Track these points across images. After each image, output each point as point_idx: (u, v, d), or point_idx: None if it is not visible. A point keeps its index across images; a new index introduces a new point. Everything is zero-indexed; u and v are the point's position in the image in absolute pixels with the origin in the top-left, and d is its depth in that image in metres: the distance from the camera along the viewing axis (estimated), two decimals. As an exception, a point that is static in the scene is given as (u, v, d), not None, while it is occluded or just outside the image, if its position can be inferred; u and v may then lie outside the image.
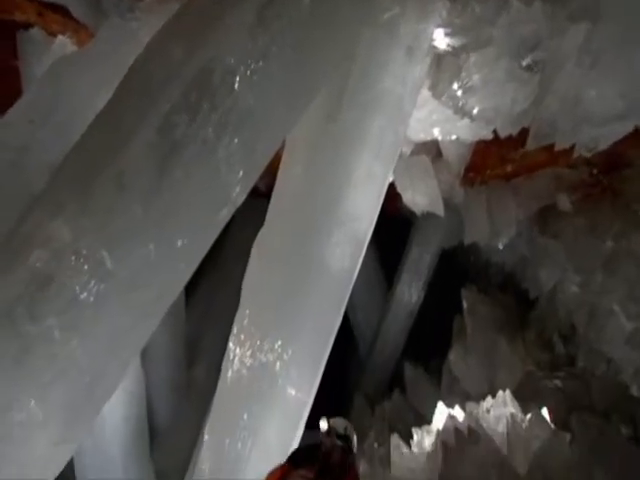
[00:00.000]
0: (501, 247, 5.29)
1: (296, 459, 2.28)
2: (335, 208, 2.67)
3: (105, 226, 1.92)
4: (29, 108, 3.37)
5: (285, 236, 2.76)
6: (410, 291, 6.27)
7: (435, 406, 4.01)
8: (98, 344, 1.98)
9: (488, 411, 3.34)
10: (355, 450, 2.30)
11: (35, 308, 1.90)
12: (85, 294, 1.90)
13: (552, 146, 3.41)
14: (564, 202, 4.70)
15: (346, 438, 2.25)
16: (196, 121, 2.03)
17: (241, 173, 2.12)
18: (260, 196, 4.61)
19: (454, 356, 5.11)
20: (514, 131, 3.46)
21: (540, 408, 3.41)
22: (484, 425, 3.18)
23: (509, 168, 4.86)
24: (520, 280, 5.56)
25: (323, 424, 2.25)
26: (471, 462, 2.79)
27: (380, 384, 5.97)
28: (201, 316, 6.23)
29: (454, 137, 3.74)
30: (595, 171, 4.60)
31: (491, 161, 4.88)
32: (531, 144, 3.32)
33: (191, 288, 6.61)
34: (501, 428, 3.19)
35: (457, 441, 3.00)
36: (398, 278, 6.41)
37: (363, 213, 2.75)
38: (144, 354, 4.81)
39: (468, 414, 3.39)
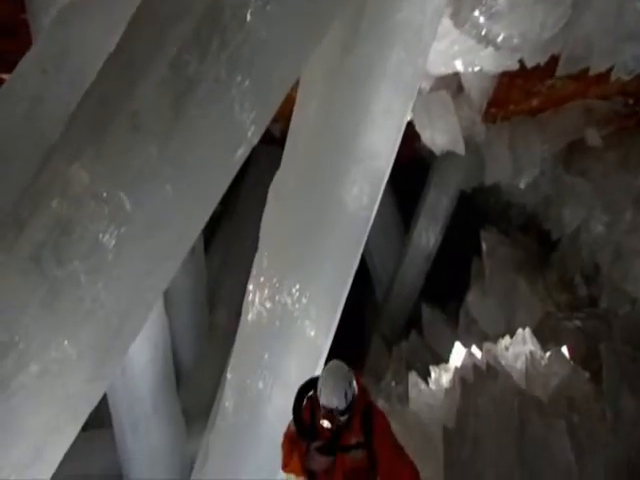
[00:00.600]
0: (523, 187, 5.17)
1: (304, 430, 2.22)
2: (352, 145, 2.61)
3: (122, 169, 1.92)
4: (40, 58, 3.33)
5: (301, 177, 2.74)
6: (427, 234, 6.26)
7: (452, 347, 4.08)
8: (122, 286, 2.04)
9: (507, 349, 3.40)
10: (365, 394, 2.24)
11: (60, 253, 1.96)
12: (107, 237, 1.94)
13: (583, 75, 3.22)
14: (594, 137, 4.50)
15: (350, 404, 2.13)
16: (207, 58, 1.97)
17: (255, 111, 2.07)
18: (275, 143, 4.54)
19: (472, 297, 5.15)
20: (542, 60, 3.26)
21: (560, 347, 3.45)
22: (502, 362, 3.23)
23: (535, 102, 4.65)
24: (542, 221, 5.48)
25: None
26: (489, 397, 2.83)
27: (397, 326, 6.12)
28: (221, 263, 6.40)
29: (477, 69, 3.56)
30: (631, 101, 4.35)
31: (515, 95, 4.67)
32: (562, 70, 3.13)
33: (210, 236, 6.77)
34: (519, 365, 3.25)
35: (475, 377, 3.05)
36: (415, 222, 6.38)
37: (381, 150, 2.69)
38: (167, 301, 5.00)
39: (486, 352, 3.45)
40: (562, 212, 4.97)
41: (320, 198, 2.70)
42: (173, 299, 5.29)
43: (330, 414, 2.11)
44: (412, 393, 3.52)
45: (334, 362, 2.25)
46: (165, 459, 4.62)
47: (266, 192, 3.03)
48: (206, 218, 2.25)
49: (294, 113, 2.96)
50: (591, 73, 3.16)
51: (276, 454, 2.45)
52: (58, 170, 2.02)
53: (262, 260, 3.06)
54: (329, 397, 2.10)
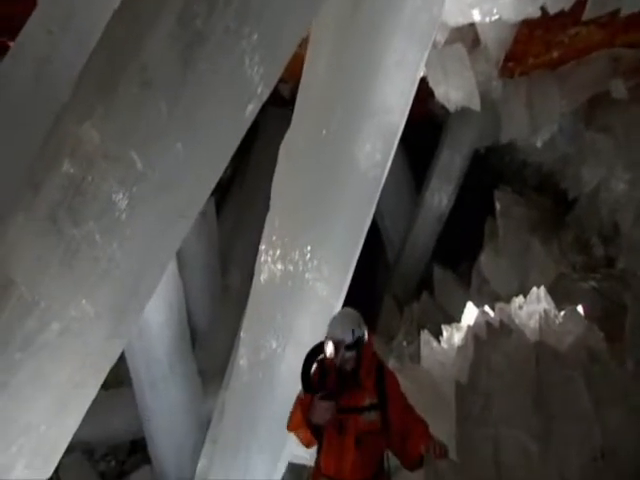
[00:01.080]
0: (540, 145, 5.04)
1: (311, 387, 2.22)
2: (364, 100, 2.56)
3: (132, 127, 1.92)
4: (46, 18, 3.28)
5: (312, 134, 2.71)
6: (440, 195, 6.19)
7: (464, 307, 4.07)
8: (136, 246, 2.08)
9: (520, 307, 3.37)
10: (366, 337, 2.20)
11: (75, 213, 1.99)
12: (119, 197, 1.96)
13: (611, 21, 3.05)
14: (619, 89, 4.28)
15: (357, 342, 2.15)
16: (215, 10, 1.92)
17: (265, 65, 2.03)
18: (284, 104, 4.46)
19: (485, 258, 5.11)
20: (566, 5, 3.10)
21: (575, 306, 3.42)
22: (516, 321, 3.22)
23: (555, 54, 4.46)
24: (559, 180, 5.37)
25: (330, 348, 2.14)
26: (502, 353, 2.84)
27: (409, 287, 6.16)
28: (232, 226, 6.47)
29: (495, 18, 3.41)
30: (661, 49, 4.11)
31: (535, 47, 4.49)
32: (590, 13, 2.96)
33: (222, 199, 6.81)
34: (533, 324, 3.22)
35: (488, 334, 3.03)
36: (427, 182, 6.30)
37: (394, 104, 2.63)
38: (181, 264, 5.10)
39: (499, 310, 3.44)
40: (580, 170, 4.85)
41: (332, 156, 2.67)
42: (186, 263, 5.38)
43: (336, 349, 2.11)
44: (424, 351, 3.55)
45: (346, 307, 2.35)
46: (183, 416, 4.83)
47: (276, 155, 3.01)
48: (217, 177, 2.25)
49: (304, 70, 2.90)
50: (622, 14, 2.98)
51: (289, 411, 2.51)
52: (69, 130, 2.02)
53: (274, 221, 3.08)
54: (336, 329, 2.14)
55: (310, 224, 2.87)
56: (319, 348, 2.25)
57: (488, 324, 3.16)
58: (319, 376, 2.23)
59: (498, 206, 5.33)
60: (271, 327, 3.30)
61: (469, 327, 3.45)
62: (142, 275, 2.16)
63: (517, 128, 5.00)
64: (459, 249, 5.98)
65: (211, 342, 5.49)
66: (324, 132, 2.70)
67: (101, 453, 5.19)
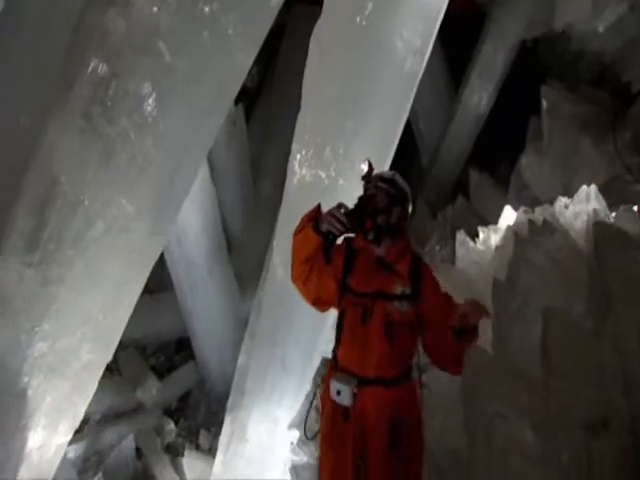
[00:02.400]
0: (602, 29, 4.46)
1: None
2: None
3: (157, 14, 1.85)
4: None
5: (346, 21, 2.53)
6: (480, 94, 5.80)
7: (500, 212, 3.97)
8: (169, 142, 2.11)
9: (566, 207, 3.18)
10: (409, 208, 1.98)
11: (108, 110, 2.01)
12: (149, 90, 1.95)
13: None
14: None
15: (392, 183, 1.93)
16: None
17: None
18: (312, 1, 4.15)
19: (526, 160, 4.82)
20: None
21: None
22: (560, 220, 3.02)
23: None
24: (621, 71, 4.81)
25: (364, 165, 1.94)
26: (545, 252, 2.66)
27: (442, 192, 6.03)
28: (262, 134, 6.40)
29: None
30: None
31: None
32: None
33: (250, 107, 6.68)
34: (580, 224, 3.00)
35: (530, 232, 2.85)
36: (467, 80, 5.87)
37: (435, -17, 2.40)
38: (214, 173, 5.17)
39: (542, 209, 3.26)
40: (651, 58, 4.31)
41: (367, 44, 2.50)
42: (219, 172, 5.46)
43: (370, 174, 1.92)
44: (459, 252, 3.47)
45: None
46: (222, 316, 5.19)
47: (305, 56, 2.83)
48: (246, 69, 2.19)
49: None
50: None
51: (323, 313, 2.36)
52: (94, 21, 1.97)
53: (305, 120, 3.00)
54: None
55: (343, 121, 2.78)
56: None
57: (530, 222, 3.00)
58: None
59: (545, 103, 4.91)
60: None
61: (508, 227, 3.31)
62: (177, 172, 2.21)
63: (575, 10, 4.43)
64: (497, 152, 5.74)
65: (245, 248, 5.71)
66: (358, 19, 2.51)
67: (152, 350, 5.72)
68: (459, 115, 5.96)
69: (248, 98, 6.65)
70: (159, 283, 5.41)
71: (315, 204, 1.92)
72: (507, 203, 4.30)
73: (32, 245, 2.02)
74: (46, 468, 2.48)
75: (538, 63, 5.92)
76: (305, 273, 1.93)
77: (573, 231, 2.97)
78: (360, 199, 1.90)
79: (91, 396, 2.69)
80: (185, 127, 2.10)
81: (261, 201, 5.94)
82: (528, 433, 1.34)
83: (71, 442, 3.01)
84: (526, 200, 4.66)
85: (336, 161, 2.88)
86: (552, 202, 3.53)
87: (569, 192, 3.79)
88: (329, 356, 3.88)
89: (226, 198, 5.56)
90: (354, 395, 1.86)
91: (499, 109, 5.97)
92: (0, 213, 1.94)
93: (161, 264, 4.36)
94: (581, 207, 3.16)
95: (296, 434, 3.73)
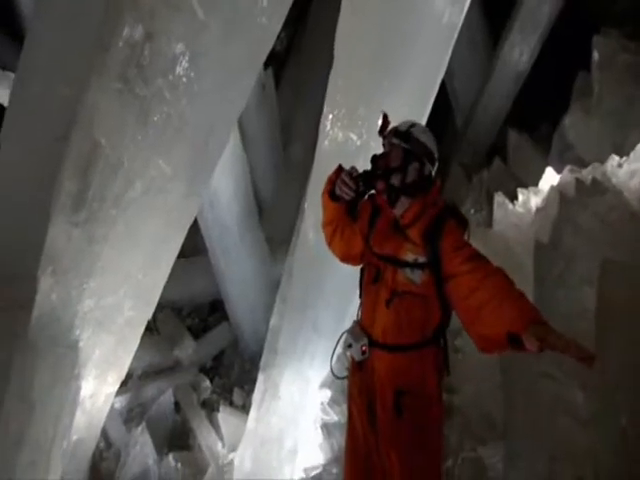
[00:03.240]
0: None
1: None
2: None
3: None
4: None
5: (379, -28, 2.46)
6: (521, 48, 5.48)
7: (540, 175, 3.81)
8: (203, 102, 2.16)
9: (620, 165, 2.95)
10: (434, 165, 1.84)
11: (144, 71, 2.06)
12: (183, 49, 1.99)
13: None
14: None
15: (407, 137, 1.77)
16: None
17: None
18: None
19: (571, 119, 4.47)
20: None
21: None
22: (613, 180, 2.81)
23: None
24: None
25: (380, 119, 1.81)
26: (593, 213, 2.49)
27: (478, 154, 5.85)
28: (292, 98, 6.37)
29: None
30: None
31: None
32: None
33: (280, 70, 6.62)
34: (635, 184, 2.78)
35: (578, 192, 2.64)
36: (507, 33, 5.56)
37: None
38: (244, 138, 5.22)
39: (592, 168, 3.03)
40: None
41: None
42: (249, 137, 5.50)
43: (385, 127, 1.81)
44: (497, 214, 3.31)
45: None
46: (254, 280, 5.36)
47: (336, 16, 2.76)
48: (275, 32, 2.19)
49: None
50: None
51: (354, 277, 2.31)
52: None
53: (337, 79, 2.97)
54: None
55: (377, 79, 2.74)
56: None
57: (578, 181, 2.79)
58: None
59: (596, 55, 4.50)
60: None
61: (552, 187, 3.12)
62: (212, 132, 2.27)
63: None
64: (538, 112, 5.48)
65: (276, 212, 5.81)
66: (392, -31, 2.45)
67: (187, 311, 5.98)
68: (497, 72, 5.69)
69: (277, 62, 6.59)
70: (194, 248, 5.60)
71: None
72: (548, 165, 4.14)
73: (78, 205, 2.13)
74: (97, 415, 2.69)
75: (588, 12, 5.52)
76: (330, 234, 1.95)
77: (627, 191, 2.76)
78: (373, 158, 1.82)
79: (134, 350, 2.88)
80: (218, 87, 2.14)
81: (291, 166, 5.97)
82: (578, 394, 1.29)
83: (117, 394, 3.26)
84: (570, 162, 4.41)
85: (369, 121, 2.85)
86: (602, 162, 3.30)
87: (620, 152, 3.57)
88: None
89: (257, 163, 5.62)
90: (363, 352, 1.82)
91: (541, 65, 5.67)
92: (49, 177, 2.05)
93: (195, 229, 4.51)
94: (637, 166, 2.92)
95: (327, 394, 3.88)
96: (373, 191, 1.86)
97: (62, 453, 2.26)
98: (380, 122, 1.84)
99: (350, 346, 1.85)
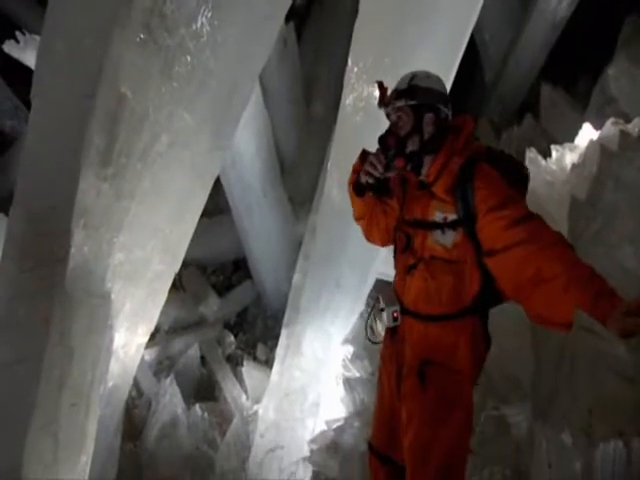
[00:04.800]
0: None
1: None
2: None
3: None
4: None
5: None
6: (559, -5, 5.18)
7: (576, 132, 3.62)
8: (227, 53, 2.15)
9: None
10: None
11: (167, 20, 2.04)
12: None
13: None
14: None
15: (411, 91, 1.64)
16: None
17: None
18: None
19: (616, 69, 4.13)
20: None
21: None
22: None
23: None
24: None
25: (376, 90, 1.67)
26: (638, 168, 2.33)
27: (508, 110, 5.64)
28: (314, 53, 6.23)
29: None
30: None
31: None
32: None
33: (301, 26, 6.45)
34: None
35: (621, 146, 2.46)
36: (545, -22, 5.22)
37: None
38: (266, 95, 5.17)
39: (639, 121, 2.82)
40: None
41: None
42: (271, 93, 5.44)
43: (383, 95, 1.66)
44: (529, 170, 3.21)
45: None
46: (277, 237, 5.43)
47: None
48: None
49: None
50: None
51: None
52: None
53: (362, 29, 2.88)
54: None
55: (404, 27, 2.66)
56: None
57: (622, 134, 2.60)
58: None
59: None
60: (359, 151, 3.35)
61: (592, 141, 2.92)
62: (235, 84, 2.26)
63: None
64: (576, 65, 5.20)
65: (298, 170, 5.80)
66: None
67: (211, 269, 6.13)
68: (533, 21, 5.37)
69: (298, 17, 6.40)
70: (215, 206, 5.67)
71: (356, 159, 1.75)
72: (586, 121, 3.95)
73: (106, 160, 2.18)
74: (130, 364, 2.85)
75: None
76: (365, 228, 1.88)
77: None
78: (380, 138, 1.66)
79: (163, 303, 2.99)
80: (241, 38, 2.12)
81: (313, 123, 5.91)
82: (620, 348, 1.26)
83: (146, 347, 3.42)
84: (611, 116, 4.21)
85: (395, 72, 2.78)
86: (643, 121, 3.09)
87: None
88: (384, 277, 3.99)
89: (279, 121, 5.57)
90: (395, 319, 1.76)
91: (583, 11, 5.31)
92: (79, 133, 2.09)
93: (217, 190, 4.55)
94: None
95: (350, 349, 3.97)
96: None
97: (99, 398, 2.41)
98: (377, 93, 1.69)
99: (382, 310, 1.79)
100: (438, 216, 1.63)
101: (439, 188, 1.63)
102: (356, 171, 1.76)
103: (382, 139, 1.67)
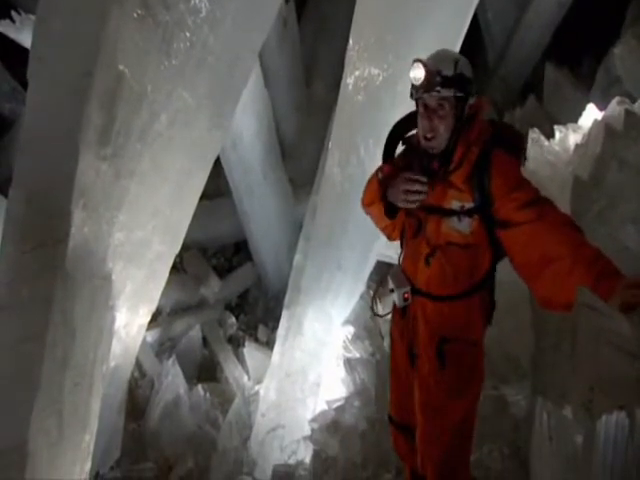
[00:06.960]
0: None
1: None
2: None
3: None
4: None
5: None
6: (566, -29, 5.06)
7: (579, 114, 3.59)
8: (226, 30, 2.10)
9: None
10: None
11: (164, -4, 1.99)
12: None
13: None
14: None
15: (464, 82, 1.55)
16: None
17: None
18: None
19: (622, 49, 4.07)
20: None
21: None
22: None
23: None
24: None
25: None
26: None
27: (511, 90, 5.57)
28: (315, 35, 6.13)
29: None
30: None
31: None
32: None
33: (302, 6, 6.32)
34: None
35: (626, 125, 2.44)
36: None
37: None
38: (266, 76, 5.10)
39: None
40: None
41: None
42: (271, 75, 5.36)
43: (428, 81, 1.52)
44: (531, 151, 3.05)
45: None
46: (278, 219, 5.41)
47: None
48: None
49: None
50: None
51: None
52: None
53: (363, 9, 2.83)
54: (431, 60, 1.56)
55: (405, 7, 2.60)
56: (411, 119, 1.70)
57: (628, 113, 2.57)
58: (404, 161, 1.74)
59: None
60: (360, 131, 3.32)
61: (596, 121, 2.88)
62: (234, 63, 2.22)
63: None
64: (580, 45, 5.11)
65: (298, 152, 5.75)
66: None
67: (212, 251, 6.12)
68: (536, 2, 5.30)
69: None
70: (216, 189, 5.64)
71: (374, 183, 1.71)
72: (590, 101, 3.88)
73: (105, 139, 2.15)
74: (131, 344, 2.86)
75: None
76: (391, 234, 1.88)
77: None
78: (405, 140, 1.66)
79: (163, 284, 2.99)
80: (240, 13, 2.07)
81: (314, 104, 5.84)
82: (624, 325, 1.27)
83: (148, 329, 3.43)
84: (615, 97, 4.13)
85: (397, 51, 2.73)
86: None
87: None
88: (384, 259, 3.99)
89: (279, 102, 5.50)
90: (405, 299, 1.76)
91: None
92: (78, 112, 2.06)
93: (218, 172, 4.51)
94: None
95: (350, 330, 3.99)
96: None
97: (102, 377, 2.42)
98: (422, 74, 1.50)
99: (392, 291, 1.78)
100: (455, 204, 1.62)
101: (458, 178, 1.62)
102: (376, 189, 1.71)
103: (407, 138, 1.67)
